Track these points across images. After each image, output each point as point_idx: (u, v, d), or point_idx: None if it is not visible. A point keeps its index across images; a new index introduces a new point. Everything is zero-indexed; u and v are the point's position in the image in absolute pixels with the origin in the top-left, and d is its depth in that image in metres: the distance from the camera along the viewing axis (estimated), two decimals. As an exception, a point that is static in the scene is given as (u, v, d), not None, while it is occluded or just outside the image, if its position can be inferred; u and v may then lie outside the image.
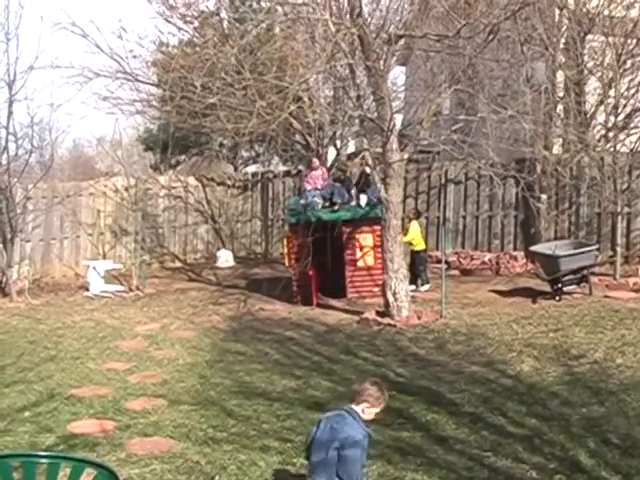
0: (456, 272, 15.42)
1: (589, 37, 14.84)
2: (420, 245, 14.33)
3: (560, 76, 15.24)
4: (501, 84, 15.23)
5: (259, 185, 19.75)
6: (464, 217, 17.01)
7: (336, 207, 13.73)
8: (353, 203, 13.84)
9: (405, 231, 14.55)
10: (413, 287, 14.02)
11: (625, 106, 14.26)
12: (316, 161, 14.91)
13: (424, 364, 9.55)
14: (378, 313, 11.98)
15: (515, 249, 16.11)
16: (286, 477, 6.55)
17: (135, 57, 16.76)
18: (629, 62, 14.39)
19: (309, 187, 14.27)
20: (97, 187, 18.16)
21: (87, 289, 15.45)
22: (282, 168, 22.50)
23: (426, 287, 14.01)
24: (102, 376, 9.65)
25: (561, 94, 15.19)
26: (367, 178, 13.84)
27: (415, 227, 14.38)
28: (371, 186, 13.45)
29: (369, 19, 13.03)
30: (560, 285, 12.35)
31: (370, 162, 13.02)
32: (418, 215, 15.17)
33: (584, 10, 14.55)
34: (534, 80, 14.96)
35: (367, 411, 5.11)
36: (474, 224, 16.91)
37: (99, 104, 17.07)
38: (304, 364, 9.82)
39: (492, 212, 16.67)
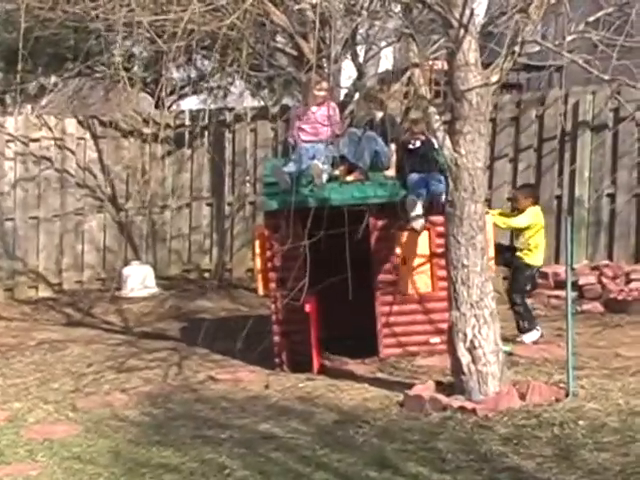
0: (596, 306, 15.58)
1: None
2: (537, 255, 14.34)
3: None
4: None
5: (206, 136, 19.91)
6: (612, 196, 17.22)
7: (350, 178, 13.90)
8: (391, 172, 13.95)
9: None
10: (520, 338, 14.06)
11: None
12: (323, 84, 14.73)
13: (535, 490, 9.49)
14: (441, 387, 12.01)
15: None
16: None
17: None
18: None
19: (305, 138, 14.29)
20: None
21: None
22: (251, 103, 22.61)
23: (535, 336, 14.08)
24: None
25: None
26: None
27: (537, 217, 14.38)
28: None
29: None
30: None
31: (424, 91, 12.95)
32: (537, 197, 15.24)
33: None
34: None
35: None
36: (632, 210, 17.05)
37: None
38: (295, 489, 9.79)
39: (669, 187, 16.86)
